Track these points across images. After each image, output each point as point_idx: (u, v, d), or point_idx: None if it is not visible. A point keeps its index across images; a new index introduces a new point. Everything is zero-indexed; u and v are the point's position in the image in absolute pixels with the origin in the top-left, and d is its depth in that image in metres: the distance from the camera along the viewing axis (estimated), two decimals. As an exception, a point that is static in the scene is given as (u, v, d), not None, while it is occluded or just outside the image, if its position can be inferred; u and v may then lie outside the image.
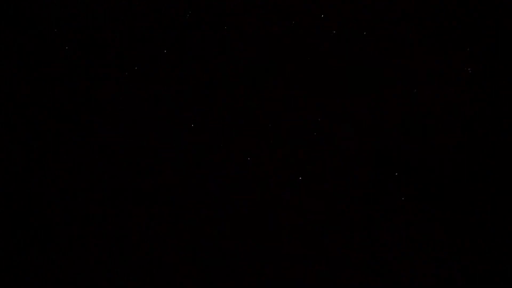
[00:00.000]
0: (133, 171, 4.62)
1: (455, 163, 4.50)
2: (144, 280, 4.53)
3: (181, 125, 4.64)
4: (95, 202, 4.59)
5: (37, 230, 4.57)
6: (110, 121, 4.65)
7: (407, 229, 4.50)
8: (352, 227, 4.52)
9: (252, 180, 4.58)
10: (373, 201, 4.53)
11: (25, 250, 4.54)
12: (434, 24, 4.58)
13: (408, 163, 4.54)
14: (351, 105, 4.58)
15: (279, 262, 4.53)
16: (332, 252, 4.51)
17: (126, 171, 4.61)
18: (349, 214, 4.53)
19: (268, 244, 4.54)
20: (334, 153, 4.58)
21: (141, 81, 4.67)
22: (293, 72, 4.62)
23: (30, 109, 4.67)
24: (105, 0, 4.72)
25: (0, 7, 4.71)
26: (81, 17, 4.73)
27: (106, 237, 4.56)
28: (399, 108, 4.56)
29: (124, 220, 4.58)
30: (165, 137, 4.64)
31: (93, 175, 4.61)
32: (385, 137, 4.56)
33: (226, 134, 4.62)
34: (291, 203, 4.56)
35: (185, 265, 4.54)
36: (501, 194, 4.46)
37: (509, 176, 4.46)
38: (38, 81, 4.69)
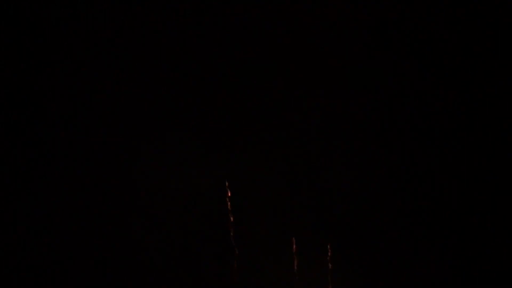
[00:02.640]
0: (133, 171, 4.62)
1: (455, 163, 4.51)
2: (144, 280, 4.53)
3: (181, 125, 4.64)
4: (95, 202, 4.59)
5: (37, 230, 4.57)
6: (110, 121, 4.65)
7: (407, 229, 4.50)
8: (353, 227, 4.53)
9: (252, 180, 4.59)
10: (373, 201, 4.54)
11: (25, 250, 4.54)
12: (433, 24, 4.58)
13: (408, 163, 4.54)
14: (351, 105, 4.59)
15: (279, 262, 4.53)
16: (332, 252, 4.51)
17: (125, 171, 4.61)
18: (349, 214, 4.53)
19: (268, 244, 4.54)
20: (334, 153, 4.58)
21: (141, 81, 4.67)
22: (293, 72, 4.63)
23: (30, 109, 4.67)
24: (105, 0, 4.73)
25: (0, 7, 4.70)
26: (81, 17, 4.73)
27: (106, 237, 4.56)
28: (399, 108, 4.56)
29: (124, 220, 4.58)
30: (164, 137, 4.64)
31: (93, 175, 4.61)
32: (385, 137, 4.56)
33: (226, 134, 4.62)
34: (291, 203, 4.56)
35: (184, 265, 4.54)
36: (501, 194, 4.47)
37: (509, 175, 4.48)
38: (38, 81, 4.69)
